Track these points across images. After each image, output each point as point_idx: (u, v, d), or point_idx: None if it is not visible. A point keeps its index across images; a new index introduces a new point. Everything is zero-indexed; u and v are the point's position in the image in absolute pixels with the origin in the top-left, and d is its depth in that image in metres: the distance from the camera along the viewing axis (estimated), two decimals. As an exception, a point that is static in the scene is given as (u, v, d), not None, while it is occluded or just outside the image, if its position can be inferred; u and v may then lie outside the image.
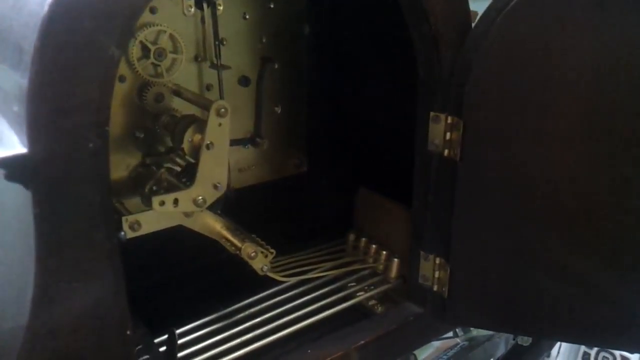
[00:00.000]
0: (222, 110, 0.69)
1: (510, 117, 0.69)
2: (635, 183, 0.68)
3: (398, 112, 0.89)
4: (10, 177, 0.47)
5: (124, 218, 0.68)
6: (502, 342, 1.14)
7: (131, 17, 0.50)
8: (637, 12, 0.62)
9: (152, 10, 0.78)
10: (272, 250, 0.77)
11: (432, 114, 0.73)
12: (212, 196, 0.72)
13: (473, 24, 0.70)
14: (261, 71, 0.89)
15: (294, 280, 0.85)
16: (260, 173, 1.00)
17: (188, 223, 0.73)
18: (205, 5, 0.82)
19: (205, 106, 0.71)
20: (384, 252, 0.93)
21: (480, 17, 0.68)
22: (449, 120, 0.71)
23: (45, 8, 0.45)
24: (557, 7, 0.65)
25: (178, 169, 0.77)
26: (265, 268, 0.77)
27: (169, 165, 0.78)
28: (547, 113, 0.68)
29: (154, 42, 0.77)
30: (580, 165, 0.69)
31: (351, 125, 1.05)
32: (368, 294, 0.87)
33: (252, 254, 0.75)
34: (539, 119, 0.68)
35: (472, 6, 0.73)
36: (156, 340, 0.74)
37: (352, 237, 0.99)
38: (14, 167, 0.46)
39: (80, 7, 0.47)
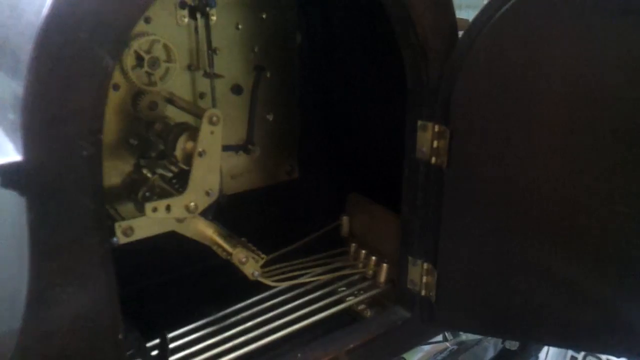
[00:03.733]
0: (214, 118, 0.70)
1: (496, 126, 0.70)
2: (619, 189, 0.69)
3: (388, 120, 0.91)
4: (5, 184, 0.48)
5: (117, 224, 0.68)
6: (491, 347, 1.15)
7: (126, 28, 0.51)
8: (619, 24, 0.64)
9: (147, 20, 0.79)
10: (263, 256, 0.78)
11: (419, 122, 0.74)
12: (204, 202, 0.73)
13: (464, 32, 0.72)
14: (254, 80, 0.91)
15: (284, 285, 0.86)
16: (252, 179, 1.01)
17: (180, 229, 0.74)
18: (198, 15, 0.83)
19: (198, 114, 0.72)
20: (373, 258, 0.94)
21: (467, 28, 0.69)
22: (436, 128, 0.73)
23: (42, 19, 0.46)
24: (541, 18, 0.66)
25: (171, 175, 0.78)
26: (256, 273, 0.78)
27: (161, 171, 0.79)
28: (531, 122, 0.69)
29: (148, 51, 0.78)
30: (564, 172, 0.70)
31: (342, 132, 1.06)
32: (357, 299, 0.88)
33: (243, 260, 0.76)
34: (524, 128, 0.70)
35: (464, 14, 0.74)
36: (148, 344, 0.75)
37: (342, 242, 1.00)
38: (9, 174, 0.47)
39: (75, 18, 0.47)
